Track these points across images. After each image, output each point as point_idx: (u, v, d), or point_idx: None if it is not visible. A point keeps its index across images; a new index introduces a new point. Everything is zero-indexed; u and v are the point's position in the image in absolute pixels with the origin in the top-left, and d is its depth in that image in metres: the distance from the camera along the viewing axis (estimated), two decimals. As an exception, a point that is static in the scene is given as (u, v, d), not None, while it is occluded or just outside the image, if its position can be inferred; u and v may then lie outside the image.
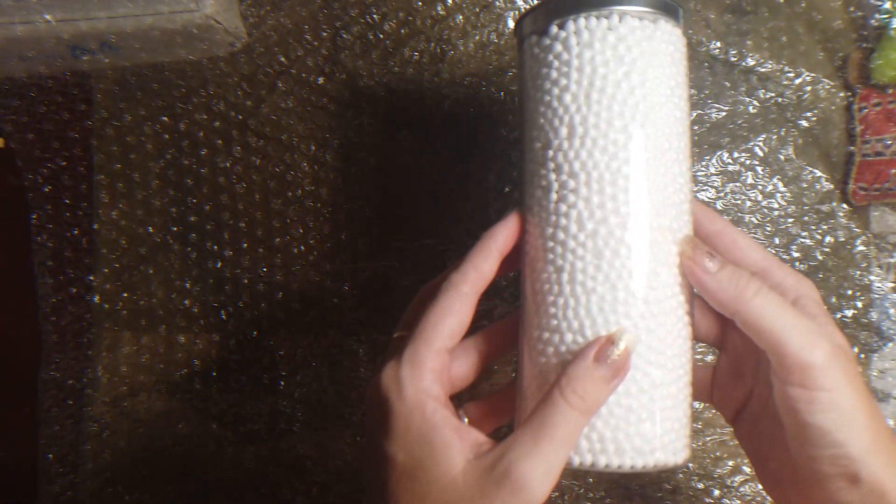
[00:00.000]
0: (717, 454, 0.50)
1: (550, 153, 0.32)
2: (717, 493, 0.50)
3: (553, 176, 0.32)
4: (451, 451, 0.29)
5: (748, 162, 0.49)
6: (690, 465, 0.49)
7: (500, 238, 0.33)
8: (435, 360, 0.31)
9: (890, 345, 0.49)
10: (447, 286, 0.32)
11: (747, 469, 0.49)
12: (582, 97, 0.31)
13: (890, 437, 0.30)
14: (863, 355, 0.49)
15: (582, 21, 0.31)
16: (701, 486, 0.50)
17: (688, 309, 0.32)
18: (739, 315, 0.30)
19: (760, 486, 0.44)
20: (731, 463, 0.49)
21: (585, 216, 0.31)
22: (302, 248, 0.52)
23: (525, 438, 0.29)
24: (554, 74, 0.32)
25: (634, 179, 0.30)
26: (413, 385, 0.31)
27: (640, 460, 0.30)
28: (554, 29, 0.32)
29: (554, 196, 0.32)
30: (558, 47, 0.32)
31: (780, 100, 0.49)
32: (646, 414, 0.30)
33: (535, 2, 0.39)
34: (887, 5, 0.47)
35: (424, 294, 0.35)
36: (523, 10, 0.38)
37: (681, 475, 0.49)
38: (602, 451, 0.31)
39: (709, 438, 0.49)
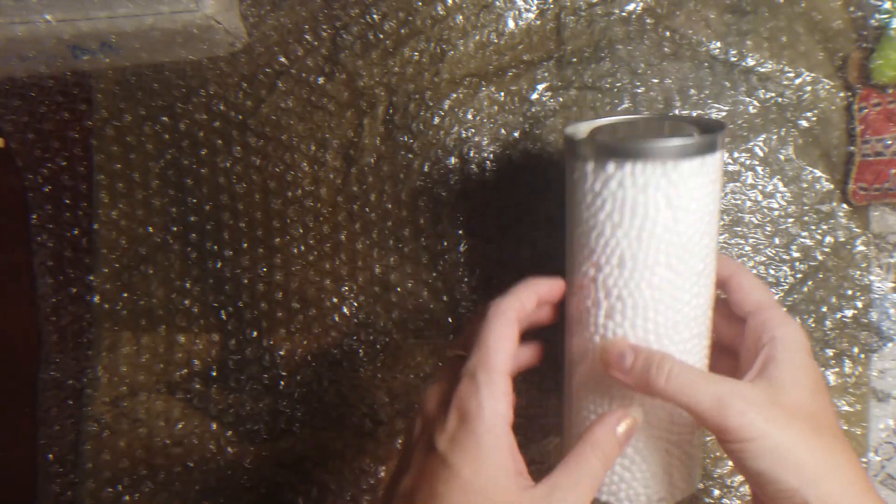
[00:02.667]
0: (717, 454, 0.50)
1: (601, 277, 0.35)
2: (716, 492, 0.50)
3: (602, 295, 0.36)
4: (512, 477, 0.32)
5: (748, 162, 0.49)
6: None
7: (544, 285, 0.37)
8: (506, 385, 0.34)
9: (890, 345, 0.48)
10: (497, 312, 0.35)
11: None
12: (633, 236, 0.34)
13: (847, 459, 0.33)
14: (863, 355, 0.49)
15: (640, 167, 0.33)
16: (700, 485, 0.50)
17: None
18: (660, 396, 0.34)
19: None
20: (730, 463, 0.49)
21: (630, 334, 0.36)
22: (302, 248, 0.52)
23: (566, 481, 0.33)
24: (608, 208, 0.34)
25: (675, 306, 0.35)
26: (491, 406, 0.33)
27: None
28: (611, 167, 0.34)
29: (602, 313, 0.36)
30: (614, 185, 0.34)
31: (780, 100, 0.49)
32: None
33: (595, 123, 0.40)
34: (887, 5, 0.47)
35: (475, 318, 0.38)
36: (579, 125, 0.40)
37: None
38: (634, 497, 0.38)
39: (708, 439, 0.49)
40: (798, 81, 0.48)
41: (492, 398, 0.33)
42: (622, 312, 0.35)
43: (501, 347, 0.34)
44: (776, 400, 0.33)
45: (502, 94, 0.50)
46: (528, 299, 0.36)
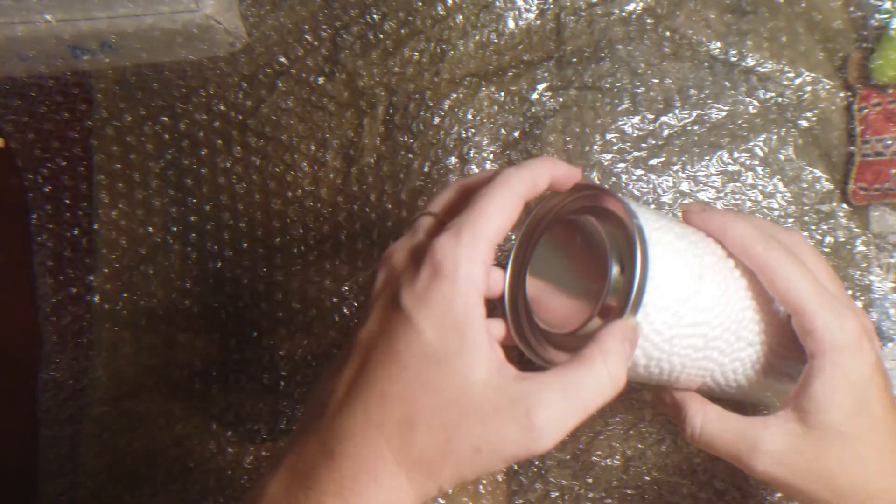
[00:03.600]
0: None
1: (641, 370, 0.34)
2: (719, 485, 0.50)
3: (643, 362, 0.33)
4: (479, 355, 0.28)
5: (748, 162, 0.49)
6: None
7: (561, 169, 0.32)
8: (488, 255, 0.29)
9: (890, 345, 0.48)
10: (505, 183, 0.30)
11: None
12: (666, 367, 0.33)
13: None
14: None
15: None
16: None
17: None
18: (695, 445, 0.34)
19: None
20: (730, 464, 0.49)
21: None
22: (302, 248, 0.52)
23: (554, 387, 0.28)
24: (639, 352, 0.32)
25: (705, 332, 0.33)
26: (467, 268, 0.28)
27: None
28: (638, 318, 0.32)
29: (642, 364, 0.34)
30: (645, 329, 0.32)
31: (780, 100, 0.49)
32: None
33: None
34: (887, 5, 0.47)
35: (462, 187, 0.34)
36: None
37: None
38: None
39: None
40: (798, 81, 0.48)
41: (470, 261, 0.28)
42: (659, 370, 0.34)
43: (498, 217, 0.30)
44: (807, 434, 0.32)
45: (502, 94, 0.50)
46: (542, 179, 0.32)
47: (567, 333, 0.33)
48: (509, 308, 0.35)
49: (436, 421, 0.28)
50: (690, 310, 0.32)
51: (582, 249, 0.33)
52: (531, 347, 0.34)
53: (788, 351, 0.35)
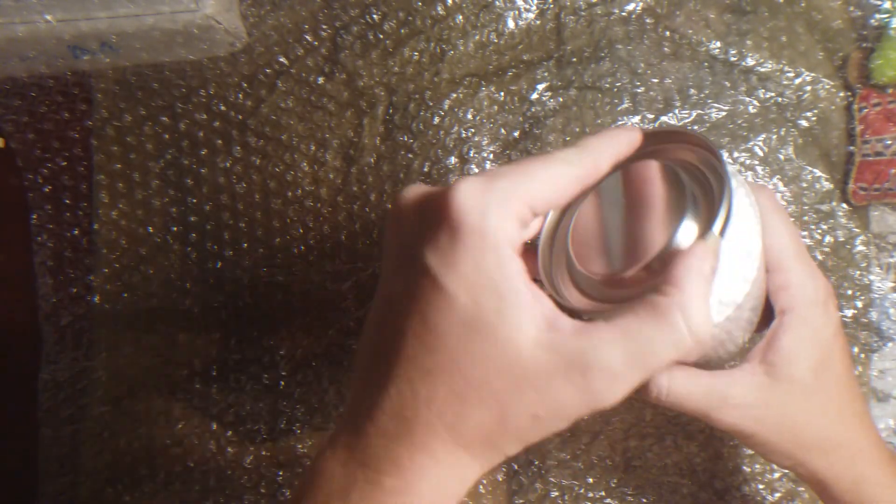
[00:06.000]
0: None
1: None
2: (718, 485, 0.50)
3: None
4: (524, 314, 0.25)
5: (748, 162, 0.49)
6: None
7: (625, 142, 0.29)
8: (525, 211, 0.26)
9: (890, 345, 0.48)
10: (563, 158, 0.27)
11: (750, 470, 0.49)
12: None
13: (854, 429, 0.34)
14: (863, 355, 0.49)
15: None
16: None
17: None
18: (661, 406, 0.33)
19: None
20: (730, 465, 0.49)
21: None
22: (302, 248, 0.52)
23: (616, 344, 0.25)
24: None
25: None
26: (498, 218, 0.24)
27: None
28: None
29: None
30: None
31: (780, 100, 0.49)
32: None
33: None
34: (887, 5, 0.47)
35: None
36: None
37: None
38: None
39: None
40: (798, 81, 0.48)
41: (501, 211, 0.24)
42: None
43: (544, 178, 0.26)
44: (773, 387, 0.32)
45: (502, 94, 0.50)
46: (605, 164, 0.28)
47: (608, 277, 0.30)
48: (543, 242, 0.32)
49: (486, 392, 0.25)
50: (750, 268, 0.31)
51: (645, 193, 0.30)
52: (554, 286, 0.31)
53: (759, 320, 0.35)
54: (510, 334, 0.25)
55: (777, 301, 0.33)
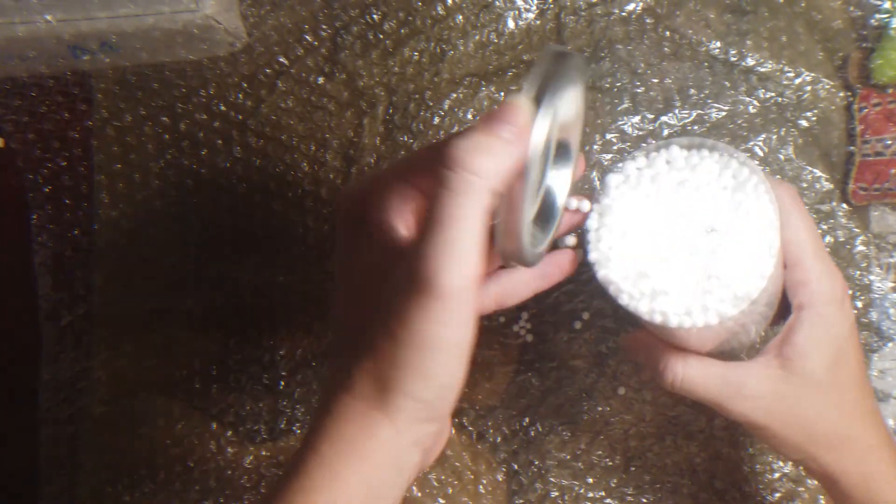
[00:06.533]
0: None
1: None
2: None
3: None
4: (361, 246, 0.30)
5: (748, 162, 0.49)
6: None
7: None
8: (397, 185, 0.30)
9: (890, 345, 0.48)
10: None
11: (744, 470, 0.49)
12: None
13: (864, 427, 0.35)
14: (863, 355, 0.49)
15: None
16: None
17: None
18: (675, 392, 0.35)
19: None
20: (730, 465, 0.49)
21: None
22: (302, 248, 0.52)
23: (431, 239, 0.25)
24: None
25: None
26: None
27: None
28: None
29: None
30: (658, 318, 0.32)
31: (780, 100, 0.49)
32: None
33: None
34: (887, 5, 0.47)
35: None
36: None
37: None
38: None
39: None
40: (798, 81, 0.48)
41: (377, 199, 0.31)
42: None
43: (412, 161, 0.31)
44: (787, 381, 0.33)
45: (502, 94, 0.50)
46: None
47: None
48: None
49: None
50: (767, 265, 0.31)
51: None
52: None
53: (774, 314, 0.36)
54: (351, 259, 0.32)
55: (794, 296, 0.34)
